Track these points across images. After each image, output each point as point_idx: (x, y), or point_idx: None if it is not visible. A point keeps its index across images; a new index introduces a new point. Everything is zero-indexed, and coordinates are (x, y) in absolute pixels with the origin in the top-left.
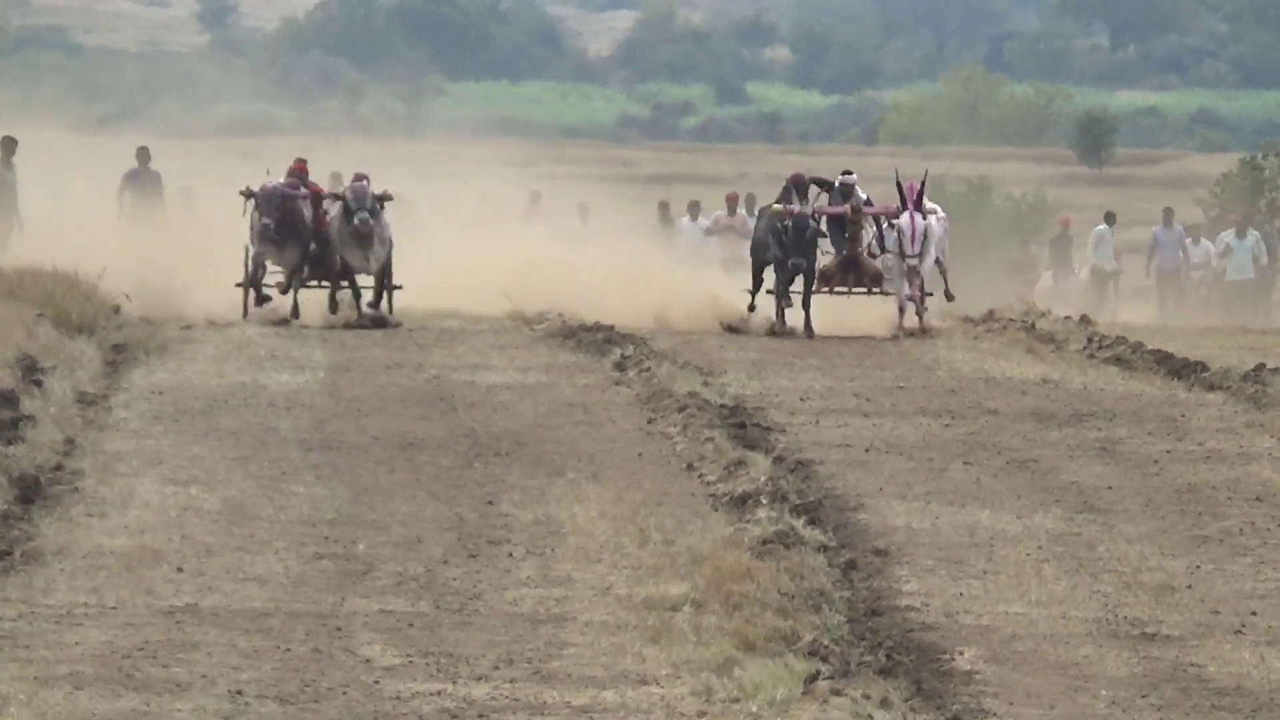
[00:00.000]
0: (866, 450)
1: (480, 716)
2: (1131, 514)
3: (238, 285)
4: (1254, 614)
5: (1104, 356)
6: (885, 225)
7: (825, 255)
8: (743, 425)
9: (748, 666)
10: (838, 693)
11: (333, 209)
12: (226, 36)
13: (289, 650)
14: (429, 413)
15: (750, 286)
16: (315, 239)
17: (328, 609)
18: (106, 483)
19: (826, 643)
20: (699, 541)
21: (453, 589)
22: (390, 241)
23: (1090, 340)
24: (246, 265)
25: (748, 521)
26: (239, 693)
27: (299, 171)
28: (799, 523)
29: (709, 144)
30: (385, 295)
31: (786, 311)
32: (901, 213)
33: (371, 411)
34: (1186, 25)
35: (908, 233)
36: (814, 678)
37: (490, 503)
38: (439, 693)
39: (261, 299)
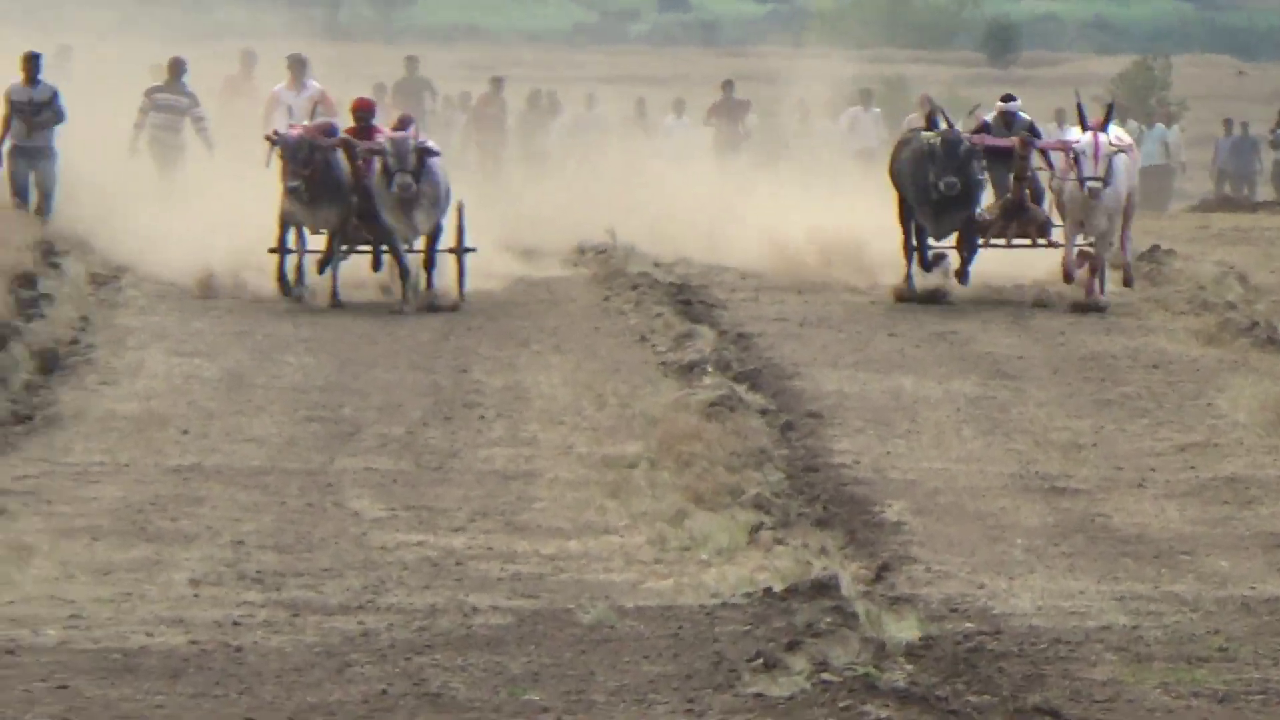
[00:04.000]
0: (800, 325)
1: (458, 564)
2: (1041, 380)
3: (271, 251)
4: (1152, 470)
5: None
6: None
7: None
8: (689, 302)
9: (697, 518)
10: (779, 541)
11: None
12: None
13: (284, 504)
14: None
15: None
16: (359, 195)
17: (318, 467)
18: (118, 355)
19: (768, 496)
20: (651, 405)
21: (431, 448)
22: (445, 201)
23: None
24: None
25: (695, 387)
26: (241, 542)
27: (363, 108)
28: (741, 388)
29: (654, 47)
30: (453, 262)
31: (933, 260)
32: (1083, 131)
33: (354, 289)
34: None
35: (1090, 152)
36: (758, 528)
37: (464, 371)
38: (420, 543)
39: (289, 285)
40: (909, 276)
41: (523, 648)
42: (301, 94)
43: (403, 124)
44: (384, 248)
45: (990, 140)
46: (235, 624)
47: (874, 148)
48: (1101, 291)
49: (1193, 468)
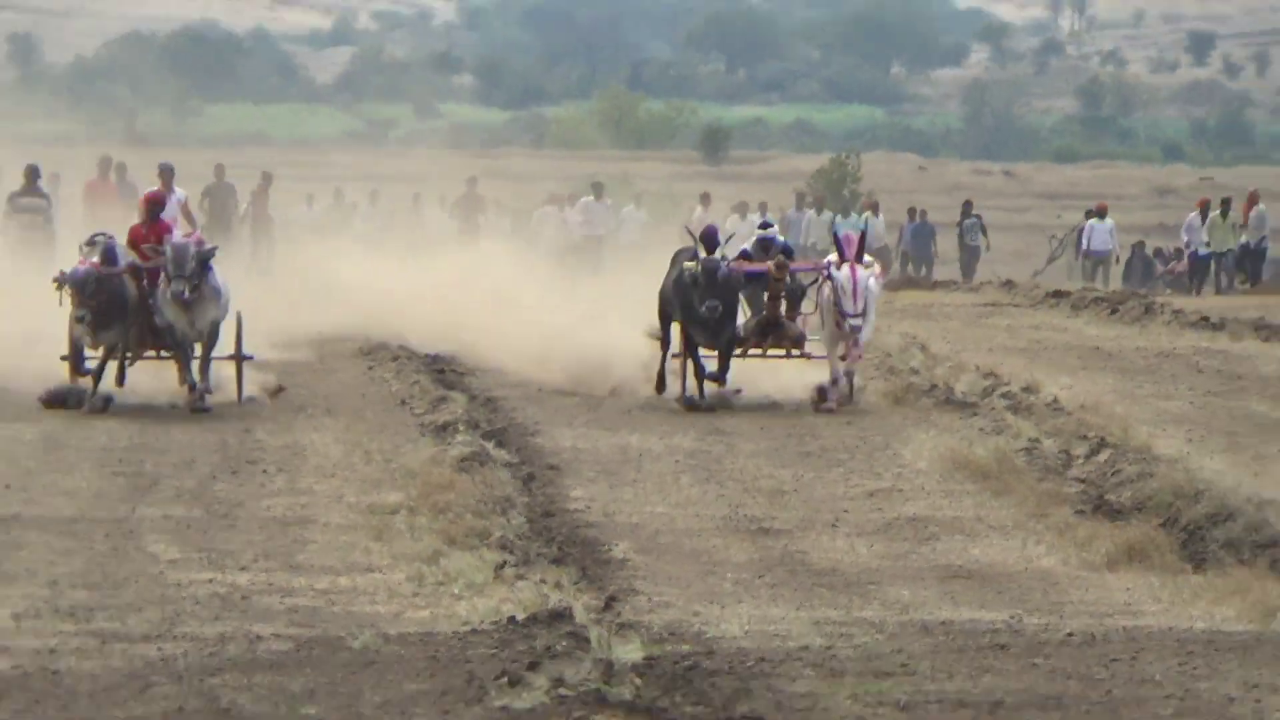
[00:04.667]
0: (539, 390)
1: (243, 598)
2: (750, 435)
3: (63, 359)
4: (845, 511)
5: None
6: (819, 281)
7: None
8: (442, 370)
9: (451, 557)
10: (521, 577)
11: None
12: (29, 70)
13: (93, 548)
14: None
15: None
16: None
17: (122, 515)
18: None
19: (512, 538)
20: (411, 460)
21: (219, 498)
22: (224, 303)
23: None
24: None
25: (449, 444)
26: (55, 582)
27: (154, 200)
28: (489, 445)
29: (412, 150)
30: (232, 366)
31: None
32: (841, 265)
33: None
34: (786, 52)
35: (848, 288)
36: (502, 566)
37: (248, 431)
38: (211, 580)
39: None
40: (662, 372)
41: (301, 669)
42: (170, 198)
43: (189, 233)
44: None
45: (748, 266)
46: (52, 651)
47: (603, 235)
48: (850, 395)
49: (879, 509)
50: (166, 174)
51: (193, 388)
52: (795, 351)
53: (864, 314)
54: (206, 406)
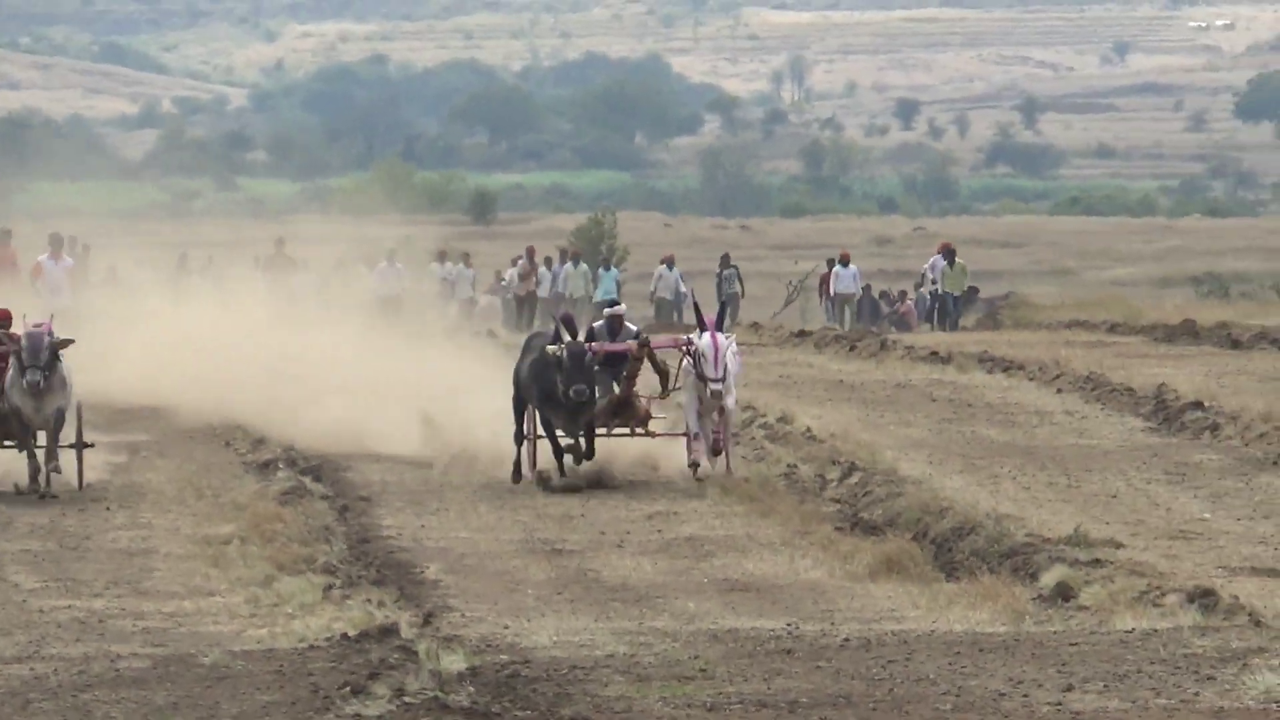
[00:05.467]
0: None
1: (100, 622)
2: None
3: None
4: (628, 533)
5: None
6: (681, 356)
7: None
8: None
9: (282, 581)
10: (347, 598)
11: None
12: None
13: None
14: None
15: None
16: None
17: None
18: None
19: (335, 563)
20: (239, 495)
21: (70, 533)
22: (69, 394)
23: None
24: None
25: (271, 480)
26: None
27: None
28: (307, 479)
29: (214, 219)
30: (73, 454)
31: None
32: (701, 334)
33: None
34: (541, 125)
35: (709, 355)
36: (329, 588)
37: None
38: (69, 606)
39: None
40: (519, 461)
41: (161, 685)
42: (60, 264)
43: (36, 325)
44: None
45: (610, 346)
46: None
47: (399, 294)
48: (729, 468)
49: (659, 530)
50: (56, 242)
51: (33, 476)
52: (640, 431)
53: (724, 379)
54: (53, 494)
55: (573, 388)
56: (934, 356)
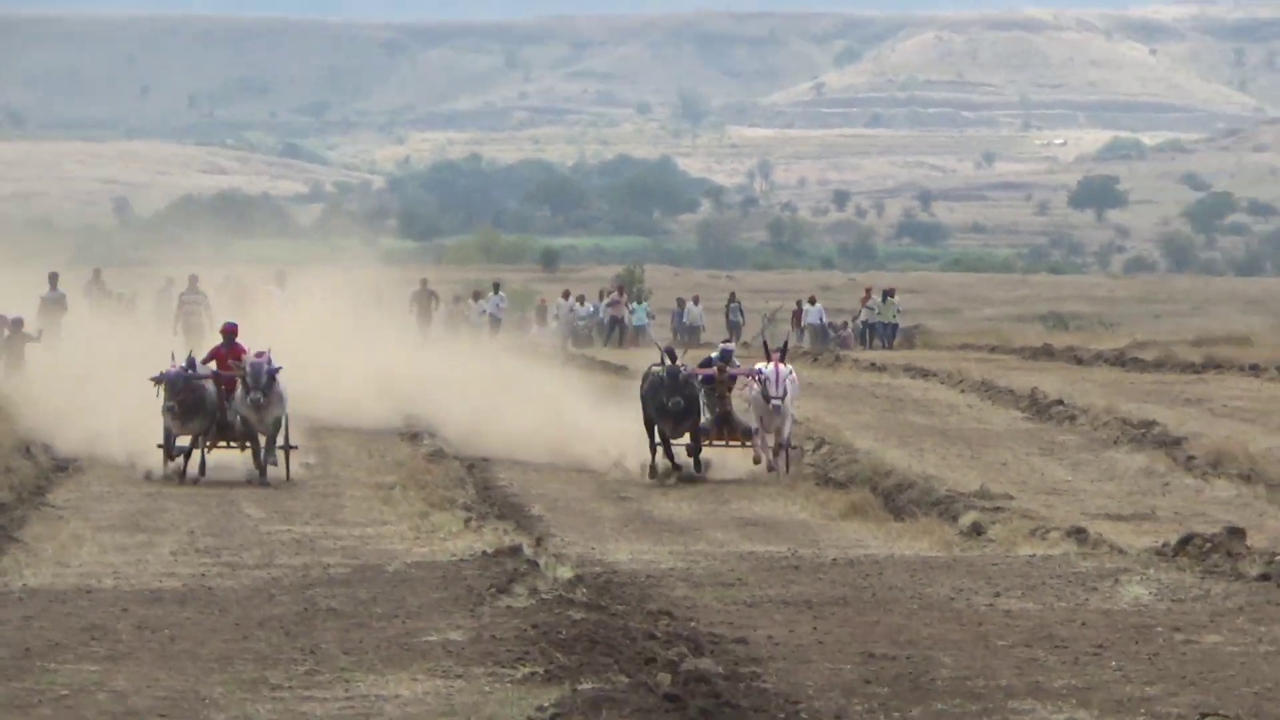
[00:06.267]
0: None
1: (311, 541)
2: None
3: (159, 446)
4: (672, 485)
5: None
6: (751, 382)
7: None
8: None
9: (434, 515)
10: (481, 527)
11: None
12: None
13: (211, 512)
14: None
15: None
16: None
17: (229, 494)
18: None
19: (469, 503)
20: (399, 455)
21: (283, 481)
22: (283, 407)
23: None
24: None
25: (420, 445)
26: (192, 532)
27: (226, 333)
28: (445, 445)
29: (361, 267)
30: (282, 454)
31: (668, 456)
32: (768, 363)
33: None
34: (588, 204)
35: (773, 378)
36: (468, 520)
37: (295, 447)
38: (288, 530)
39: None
40: (654, 464)
41: (361, 585)
42: (284, 291)
43: (259, 354)
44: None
45: (700, 370)
46: (203, 576)
47: (501, 318)
48: (787, 469)
49: (694, 484)
50: (280, 277)
51: (261, 470)
52: (747, 443)
53: (784, 398)
54: (267, 481)
55: (671, 400)
56: (873, 367)
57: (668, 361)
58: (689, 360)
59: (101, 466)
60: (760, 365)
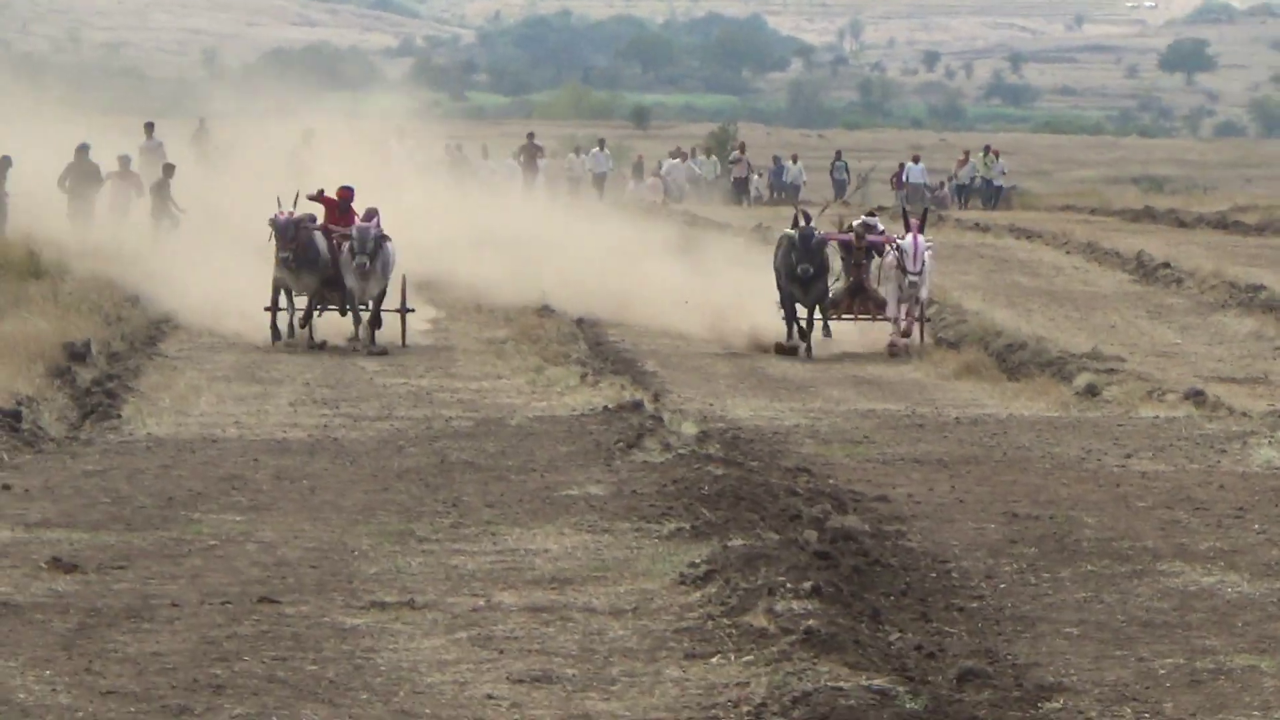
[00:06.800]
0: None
1: (428, 394)
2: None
3: (266, 309)
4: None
5: None
6: (888, 251)
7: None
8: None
9: (548, 370)
10: (597, 382)
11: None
12: (216, 69)
13: (325, 364)
14: None
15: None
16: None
17: (341, 356)
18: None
19: (583, 358)
20: (509, 310)
21: (396, 336)
22: (389, 272)
23: None
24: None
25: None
26: (308, 383)
27: (342, 198)
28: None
29: (452, 121)
30: (395, 319)
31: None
32: (905, 235)
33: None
34: (678, 62)
35: (910, 251)
36: (585, 375)
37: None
38: (404, 383)
39: (279, 334)
40: (790, 335)
41: (487, 437)
42: (403, 147)
43: (368, 215)
44: (345, 305)
45: (834, 235)
46: (325, 426)
47: (606, 172)
48: (921, 340)
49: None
50: (400, 133)
51: (356, 337)
52: (880, 316)
53: (921, 273)
54: (379, 349)
55: (800, 265)
56: (977, 227)
57: (801, 223)
58: (826, 225)
59: (210, 320)
60: (897, 236)
